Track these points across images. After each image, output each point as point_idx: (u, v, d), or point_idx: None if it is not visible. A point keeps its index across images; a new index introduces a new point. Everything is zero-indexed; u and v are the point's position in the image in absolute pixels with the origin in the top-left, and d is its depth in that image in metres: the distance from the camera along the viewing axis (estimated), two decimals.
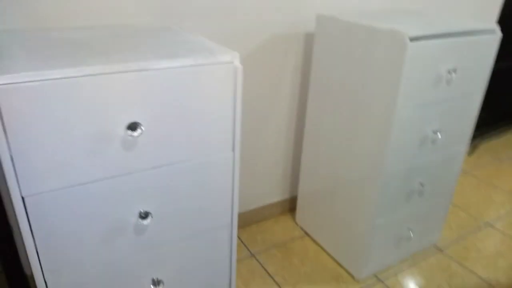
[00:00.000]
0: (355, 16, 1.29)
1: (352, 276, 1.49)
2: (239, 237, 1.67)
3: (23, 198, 0.72)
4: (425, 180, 1.40)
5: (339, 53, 1.29)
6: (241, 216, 1.70)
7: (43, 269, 0.80)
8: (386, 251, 1.49)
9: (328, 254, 1.59)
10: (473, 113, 1.38)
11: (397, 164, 1.27)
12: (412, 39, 1.06)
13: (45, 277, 0.81)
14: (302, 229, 1.73)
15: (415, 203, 1.44)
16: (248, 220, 1.74)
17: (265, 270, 1.51)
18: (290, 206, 1.84)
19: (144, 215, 0.86)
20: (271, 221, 1.78)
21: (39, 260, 0.79)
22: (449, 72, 1.19)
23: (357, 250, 1.44)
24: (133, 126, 0.77)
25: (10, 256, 1.28)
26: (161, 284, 0.97)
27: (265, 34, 1.40)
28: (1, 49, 0.78)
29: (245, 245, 1.63)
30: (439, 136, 1.31)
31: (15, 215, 0.74)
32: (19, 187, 0.71)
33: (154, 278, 0.96)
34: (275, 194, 1.78)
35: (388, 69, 1.12)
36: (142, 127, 0.78)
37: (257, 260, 1.56)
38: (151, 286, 0.96)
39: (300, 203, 1.71)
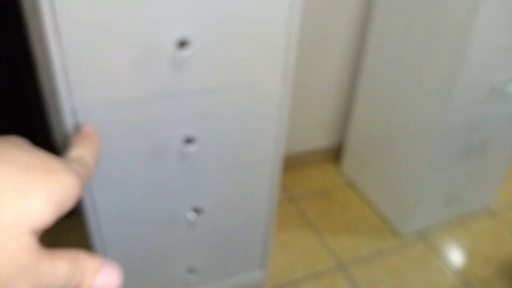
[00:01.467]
0: None
1: (393, 231, 1.44)
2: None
3: (74, 110, 0.71)
4: (487, 137, 1.28)
5: None
6: (284, 157, 1.66)
7: (91, 184, 0.81)
8: (435, 208, 1.41)
9: (371, 206, 1.54)
10: None
11: (459, 116, 1.16)
12: None
13: (93, 192, 0.82)
14: (346, 178, 1.67)
15: (473, 161, 1.33)
16: (291, 162, 1.69)
17: (304, 215, 1.49)
18: (337, 152, 1.76)
19: (189, 139, 0.84)
20: (314, 166, 1.73)
21: None
22: None
23: (404, 204, 1.37)
24: (183, 43, 0.72)
25: None
26: (200, 212, 0.97)
27: None
28: None
29: (285, 188, 1.61)
30: (510, 88, 1.17)
31: (64, 128, 0.74)
32: (71, 97, 0.70)
33: (194, 205, 0.96)
34: (322, 138, 1.71)
35: (463, 4, 0.98)
36: (192, 44, 0.73)
37: (296, 204, 1.54)
38: (191, 212, 0.96)
39: (347, 150, 1.63)
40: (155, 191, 0.89)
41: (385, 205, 1.48)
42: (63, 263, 0.19)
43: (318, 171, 1.71)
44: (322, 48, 1.45)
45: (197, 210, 0.96)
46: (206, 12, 0.72)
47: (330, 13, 1.39)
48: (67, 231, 1.37)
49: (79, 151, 0.30)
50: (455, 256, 1.38)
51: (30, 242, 0.17)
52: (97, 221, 0.87)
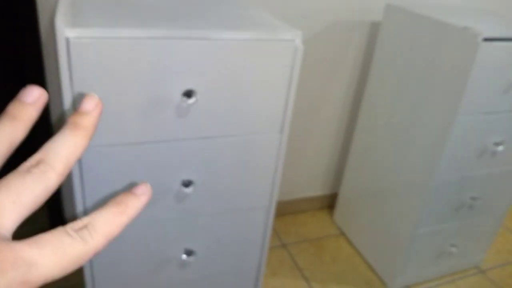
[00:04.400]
0: (426, 9, 1.23)
1: (384, 284, 1.44)
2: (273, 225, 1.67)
3: None
4: (478, 195, 1.32)
5: (404, 47, 1.24)
6: (278, 204, 1.69)
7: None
8: (425, 263, 1.42)
9: (362, 257, 1.55)
10: None
11: (450, 173, 1.20)
12: (486, 40, 0.99)
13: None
14: (338, 227, 1.69)
15: (463, 218, 1.36)
16: (284, 210, 1.72)
17: (295, 262, 1.50)
18: (329, 202, 1.80)
19: (187, 183, 0.87)
20: (308, 214, 1.76)
21: (84, 209, 0.82)
22: None
23: (394, 257, 1.38)
24: (188, 93, 0.78)
25: (54, 202, 1.36)
26: (192, 255, 0.98)
27: (330, 18, 1.37)
28: (76, 7, 0.81)
29: (277, 234, 1.62)
30: (501, 149, 1.22)
31: None
32: None
33: (187, 247, 0.98)
34: (316, 188, 1.75)
35: (455, 70, 1.06)
36: (197, 95, 0.78)
37: (288, 251, 1.55)
38: (183, 255, 0.98)
39: (340, 200, 1.67)
40: (150, 231, 0.92)
41: (375, 258, 1.49)
42: None
43: (312, 219, 1.74)
44: (319, 102, 1.53)
45: (189, 253, 0.98)
46: (211, 68, 0.78)
47: (328, 73, 1.48)
48: None
49: (92, 217, 0.22)
50: None
51: None
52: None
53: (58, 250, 0.20)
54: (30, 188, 0.21)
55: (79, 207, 0.81)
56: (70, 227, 0.21)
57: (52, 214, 1.39)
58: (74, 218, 0.84)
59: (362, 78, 1.54)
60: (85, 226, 0.21)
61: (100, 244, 0.22)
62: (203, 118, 0.82)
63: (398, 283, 1.41)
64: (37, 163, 0.22)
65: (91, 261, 0.89)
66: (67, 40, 0.67)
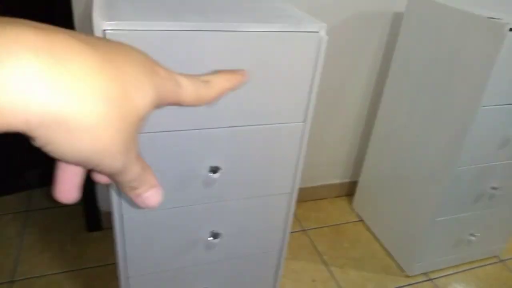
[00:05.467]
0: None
1: (401, 270, 1.47)
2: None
3: None
4: (498, 185, 1.32)
5: (427, 38, 1.23)
6: (299, 191, 1.72)
7: (122, 204, 0.89)
8: (443, 252, 1.44)
9: (380, 244, 1.58)
10: None
11: (471, 162, 1.21)
12: None
13: (122, 211, 0.90)
14: (357, 214, 1.72)
15: (483, 208, 1.37)
16: (305, 196, 1.76)
17: (315, 247, 1.54)
18: (349, 190, 1.83)
19: (214, 170, 0.92)
20: (328, 201, 1.79)
21: (120, 195, 0.88)
22: None
23: (412, 245, 1.41)
24: None
25: (88, 191, 1.43)
26: (218, 237, 1.03)
27: (353, 9, 1.38)
28: (110, 1, 0.85)
29: (298, 220, 1.66)
30: None
31: None
32: None
33: (214, 230, 1.03)
34: (336, 176, 1.78)
35: (480, 61, 1.06)
36: None
37: (308, 236, 1.59)
38: (210, 237, 1.03)
39: (360, 188, 1.69)
40: (179, 214, 0.97)
41: (393, 244, 1.51)
42: (138, 166, 0.25)
43: (332, 206, 1.77)
44: (341, 92, 1.54)
45: (215, 235, 1.03)
46: (239, 60, 0.81)
47: (350, 63, 1.49)
48: (95, 244, 1.45)
49: (211, 77, 0.29)
50: None
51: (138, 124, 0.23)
52: (122, 237, 0.94)
53: (194, 86, 0.27)
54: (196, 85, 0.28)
55: (115, 194, 0.87)
56: (198, 78, 0.28)
57: (87, 208, 1.46)
58: (109, 213, 0.89)
59: (384, 68, 1.54)
60: (208, 81, 0.29)
61: (216, 95, 0.29)
62: (230, 107, 0.86)
63: (416, 270, 1.44)
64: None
65: (123, 240, 0.95)
66: (104, 33, 0.71)
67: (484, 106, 1.09)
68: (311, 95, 0.91)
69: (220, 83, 0.29)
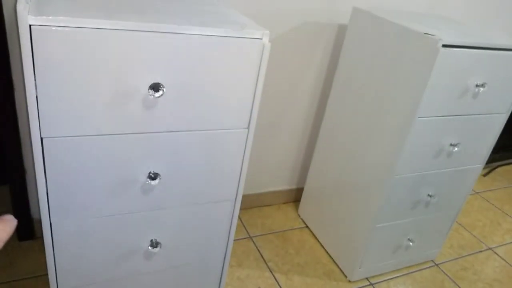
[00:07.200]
0: (391, 14, 1.28)
1: (344, 275, 1.50)
2: (239, 218, 1.70)
3: (42, 139, 0.75)
4: (434, 192, 1.39)
5: (368, 50, 1.28)
6: (245, 197, 1.72)
7: (50, 211, 0.83)
8: (383, 257, 1.49)
9: (324, 250, 1.60)
10: (494, 133, 1.36)
11: (407, 171, 1.26)
12: (445, 46, 1.04)
13: (51, 219, 0.84)
14: (302, 221, 1.74)
15: (420, 214, 1.44)
16: (251, 203, 1.75)
17: (260, 253, 1.53)
18: (295, 197, 1.85)
19: (153, 176, 0.88)
20: (274, 208, 1.80)
21: (48, 201, 0.82)
22: (477, 86, 1.17)
23: (353, 250, 1.44)
24: (155, 87, 0.78)
25: (20, 199, 1.33)
26: (158, 246, 1.00)
27: (298, 19, 1.40)
28: None
29: (244, 226, 1.65)
30: (456, 150, 1.30)
31: (32, 155, 0.77)
32: (39, 127, 0.74)
33: (153, 239, 0.99)
34: (284, 182, 1.79)
35: (415, 74, 1.11)
36: (164, 89, 0.79)
37: (253, 242, 1.58)
38: (149, 247, 0.99)
39: (305, 195, 1.71)
40: (116, 223, 0.92)
41: (336, 250, 1.55)
42: None
43: (278, 212, 1.78)
44: (287, 100, 1.56)
45: (155, 244, 0.99)
46: (179, 63, 0.79)
47: (296, 72, 1.51)
48: (27, 254, 1.35)
49: None
50: None
51: None
52: (51, 246, 0.88)
53: None
54: None
55: (43, 199, 0.81)
56: None
57: (18, 216, 1.36)
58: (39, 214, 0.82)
59: (330, 77, 1.58)
60: None
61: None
62: (170, 111, 0.83)
63: (358, 275, 1.48)
64: None
65: (54, 252, 0.89)
66: (30, 29, 0.66)
67: (420, 117, 1.14)
68: (254, 101, 0.91)
69: None
